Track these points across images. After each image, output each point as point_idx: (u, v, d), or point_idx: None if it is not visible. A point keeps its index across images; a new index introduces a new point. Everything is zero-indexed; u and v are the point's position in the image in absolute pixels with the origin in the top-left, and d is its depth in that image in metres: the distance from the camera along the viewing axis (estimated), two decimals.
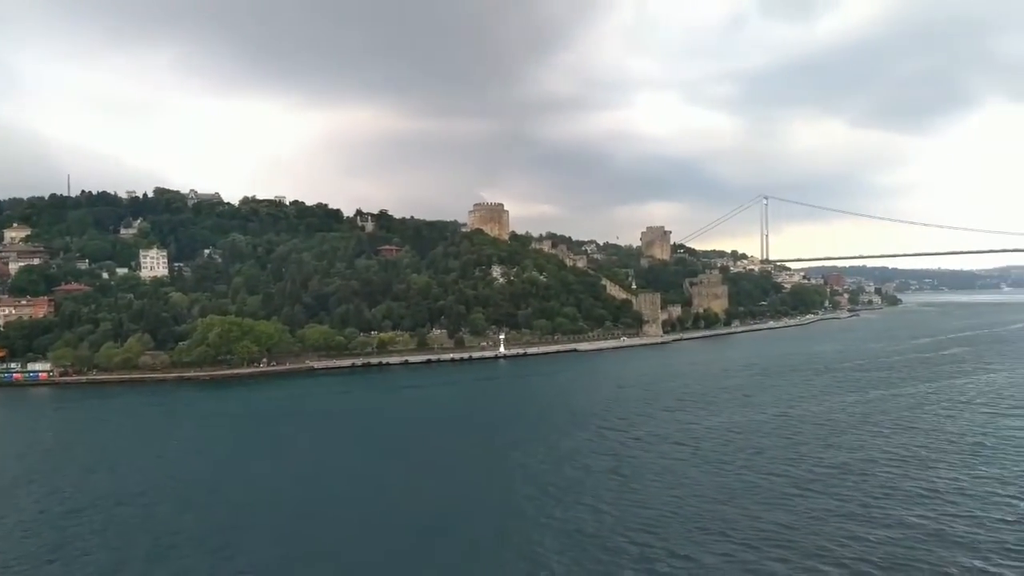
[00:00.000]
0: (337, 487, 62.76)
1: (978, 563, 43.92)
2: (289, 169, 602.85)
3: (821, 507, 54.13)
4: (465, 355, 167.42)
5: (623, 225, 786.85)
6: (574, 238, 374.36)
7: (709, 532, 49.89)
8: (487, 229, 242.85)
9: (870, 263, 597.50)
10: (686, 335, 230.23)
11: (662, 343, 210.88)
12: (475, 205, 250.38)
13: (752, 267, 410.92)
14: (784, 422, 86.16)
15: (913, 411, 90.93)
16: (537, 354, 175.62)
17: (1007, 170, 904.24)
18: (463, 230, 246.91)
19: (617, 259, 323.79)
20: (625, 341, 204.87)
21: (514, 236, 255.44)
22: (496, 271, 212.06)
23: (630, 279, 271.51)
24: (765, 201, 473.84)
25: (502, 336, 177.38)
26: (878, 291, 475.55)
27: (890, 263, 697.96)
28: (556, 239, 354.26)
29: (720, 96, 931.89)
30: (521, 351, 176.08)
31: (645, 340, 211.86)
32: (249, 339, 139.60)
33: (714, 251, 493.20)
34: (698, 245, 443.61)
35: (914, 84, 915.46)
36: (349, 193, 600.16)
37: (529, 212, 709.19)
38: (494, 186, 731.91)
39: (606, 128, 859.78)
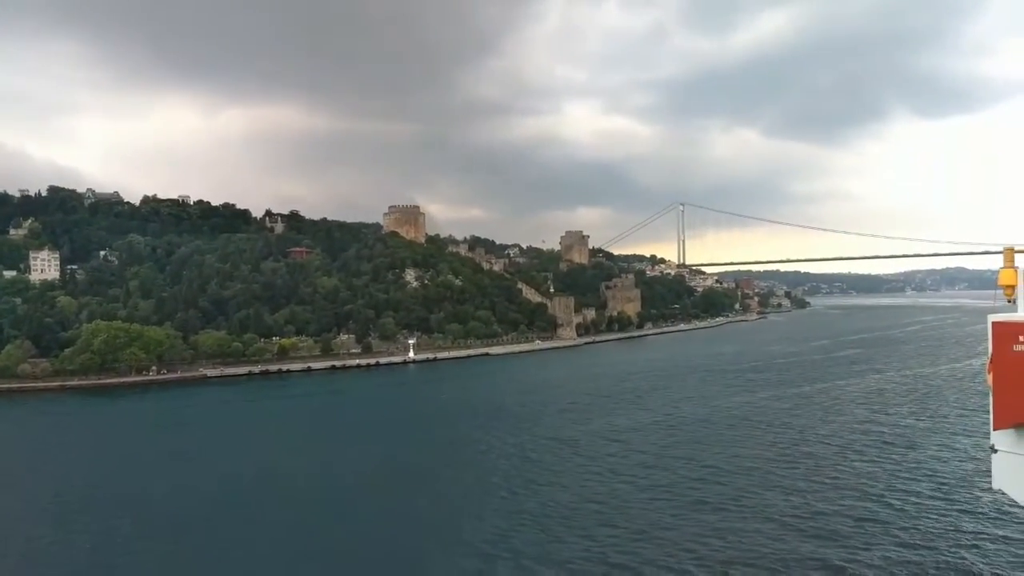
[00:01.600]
0: (209, 504, 59.98)
1: (830, 553, 44.91)
2: (204, 168, 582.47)
3: (683, 506, 54.78)
4: (372, 361, 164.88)
5: (552, 229, 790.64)
6: (498, 241, 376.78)
7: (572, 532, 49.76)
8: (403, 232, 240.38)
9: (784, 268, 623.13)
10: (599, 338, 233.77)
11: (575, 346, 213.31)
12: (390, 207, 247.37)
13: (668, 271, 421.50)
14: (668, 423, 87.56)
15: (794, 411, 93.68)
16: (448, 359, 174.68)
17: (913, 181, 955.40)
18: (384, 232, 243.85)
19: (538, 263, 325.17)
20: (539, 344, 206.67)
21: (430, 239, 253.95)
22: (410, 274, 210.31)
23: (548, 283, 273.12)
24: (681, 207, 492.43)
25: (412, 341, 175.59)
26: (788, 295, 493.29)
27: (803, 267, 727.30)
28: (479, 243, 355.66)
29: (641, 104, 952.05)
30: (432, 356, 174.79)
31: (559, 343, 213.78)
32: (137, 346, 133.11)
33: (634, 255, 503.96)
34: (620, 249, 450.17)
35: (824, 97, 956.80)
36: (270, 193, 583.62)
37: (459, 216, 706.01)
38: (423, 189, 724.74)
39: (534, 133, 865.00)
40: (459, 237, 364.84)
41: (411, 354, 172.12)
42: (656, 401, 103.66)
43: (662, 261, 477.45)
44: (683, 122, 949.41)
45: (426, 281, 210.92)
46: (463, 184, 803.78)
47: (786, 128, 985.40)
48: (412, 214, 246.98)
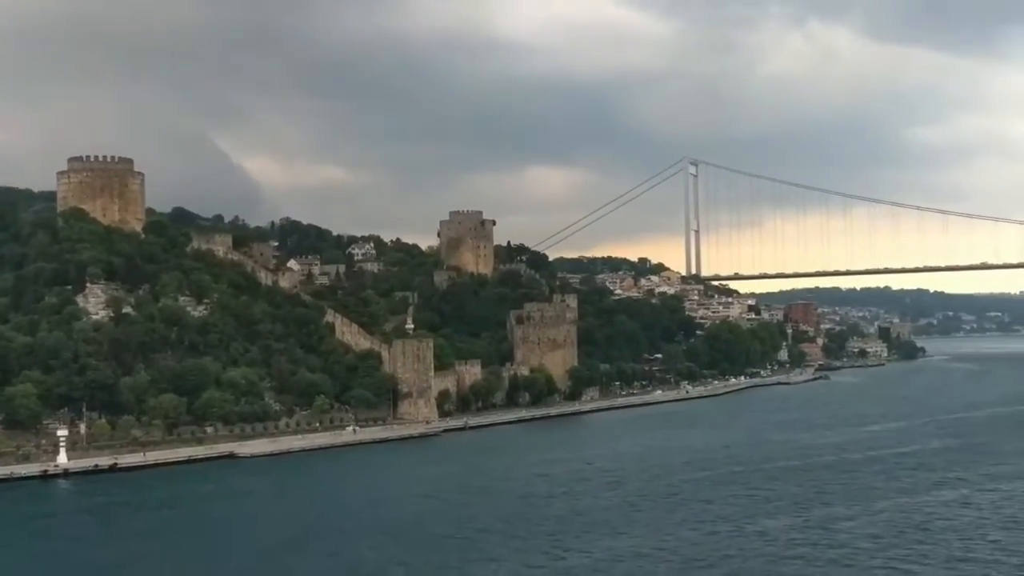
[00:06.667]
0: None
1: None
2: None
3: None
4: None
5: (474, 204, 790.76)
6: (334, 233, 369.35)
7: None
8: (96, 209, 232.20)
9: (896, 283, 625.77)
10: (482, 419, 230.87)
11: (427, 435, 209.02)
12: (70, 161, 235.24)
13: (666, 288, 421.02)
14: None
15: None
16: (142, 467, 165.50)
17: None
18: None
19: (400, 272, 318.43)
20: (356, 434, 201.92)
21: (158, 224, 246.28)
22: (95, 295, 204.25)
23: (409, 310, 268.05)
24: (692, 169, 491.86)
25: (63, 433, 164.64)
26: (888, 335, 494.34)
27: (933, 284, 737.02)
28: (295, 230, 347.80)
29: None
30: (108, 461, 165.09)
31: (396, 431, 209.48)
32: None
33: (607, 258, 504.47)
34: (596, 248, 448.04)
35: None
36: None
37: (303, 177, 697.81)
38: (232, 127, 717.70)
39: (446, 24, 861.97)
40: (247, 220, 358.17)
41: (61, 458, 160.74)
42: None
43: (654, 270, 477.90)
44: (720, 10, 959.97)
45: (130, 309, 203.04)
46: (312, 119, 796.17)
47: (905, 22, 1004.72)
48: (116, 173, 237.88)
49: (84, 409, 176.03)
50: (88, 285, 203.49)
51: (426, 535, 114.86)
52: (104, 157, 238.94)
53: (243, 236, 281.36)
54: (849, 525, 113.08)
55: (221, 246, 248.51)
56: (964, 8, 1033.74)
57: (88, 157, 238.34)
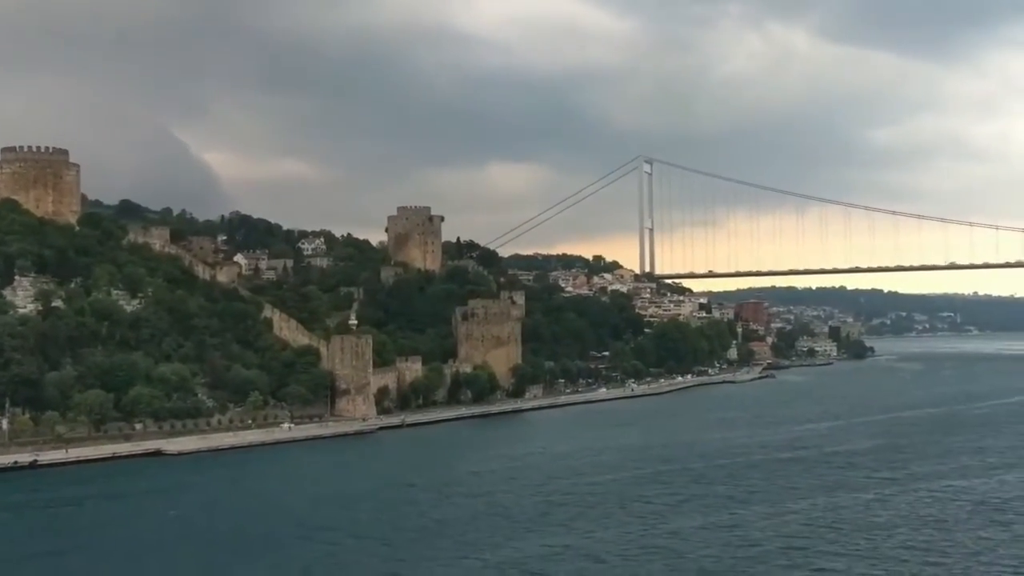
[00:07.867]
0: None
1: None
2: None
3: None
4: None
5: (435, 199, 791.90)
6: (284, 227, 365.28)
7: None
8: (30, 201, 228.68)
9: (851, 283, 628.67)
10: (421, 416, 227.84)
11: (363, 433, 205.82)
12: (3, 152, 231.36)
13: (619, 286, 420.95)
14: None
15: None
16: (61, 464, 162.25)
17: None
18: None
19: (348, 267, 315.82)
20: (290, 431, 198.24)
21: (93, 217, 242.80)
22: (24, 289, 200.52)
23: (354, 306, 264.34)
24: (647, 167, 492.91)
25: None
26: (838, 335, 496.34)
27: (886, 284, 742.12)
28: (242, 224, 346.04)
29: None
30: (29, 458, 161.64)
31: (329, 428, 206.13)
32: None
33: (561, 256, 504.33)
34: (553, 245, 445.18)
35: None
36: None
37: (262, 171, 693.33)
38: (192, 121, 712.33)
39: (402, 21, 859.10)
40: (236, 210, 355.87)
41: None
42: None
43: (609, 268, 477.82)
44: (678, 9, 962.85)
45: (60, 302, 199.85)
46: (273, 113, 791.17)
47: (861, 24, 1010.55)
48: (51, 165, 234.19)
49: (7, 405, 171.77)
50: (17, 278, 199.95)
51: (344, 536, 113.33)
52: (38, 148, 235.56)
53: (184, 230, 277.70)
54: (764, 524, 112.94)
55: (158, 239, 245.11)
56: (920, 11, 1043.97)
57: (22, 147, 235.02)
